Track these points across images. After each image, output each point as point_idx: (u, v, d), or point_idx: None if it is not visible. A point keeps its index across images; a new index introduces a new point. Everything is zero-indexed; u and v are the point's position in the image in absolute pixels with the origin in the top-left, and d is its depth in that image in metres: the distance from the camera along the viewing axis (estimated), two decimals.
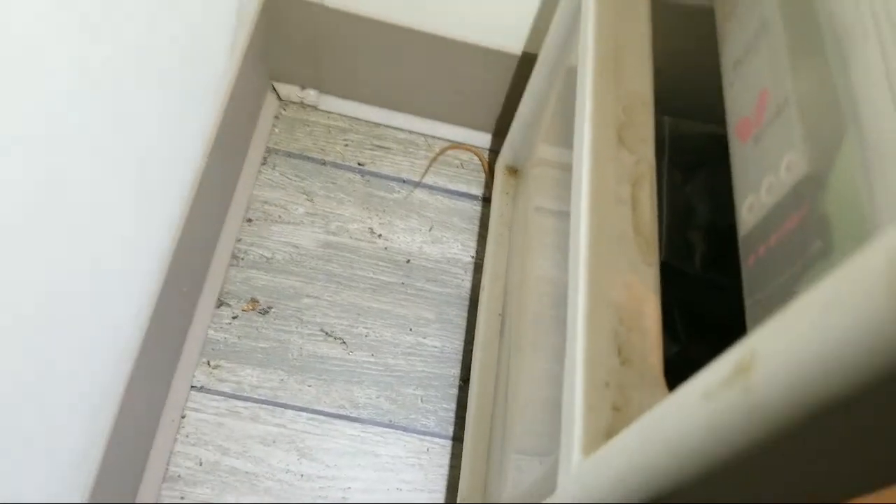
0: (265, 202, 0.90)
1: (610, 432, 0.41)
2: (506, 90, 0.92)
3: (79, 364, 0.54)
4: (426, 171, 0.95)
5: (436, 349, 0.86)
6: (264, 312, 0.83)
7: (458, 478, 0.74)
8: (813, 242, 0.38)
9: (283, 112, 0.96)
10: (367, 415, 0.81)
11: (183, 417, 0.76)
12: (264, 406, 0.78)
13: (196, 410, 0.77)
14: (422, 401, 0.83)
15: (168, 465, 0.74)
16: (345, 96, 0.96)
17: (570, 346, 0.44)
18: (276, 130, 0.94)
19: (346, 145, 0.95)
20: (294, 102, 0.96)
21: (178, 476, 0.73)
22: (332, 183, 0.93)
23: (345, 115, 0.97)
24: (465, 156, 0.98)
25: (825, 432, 0.24)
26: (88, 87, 0.47)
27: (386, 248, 0.90)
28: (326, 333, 0.84)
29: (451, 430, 0.81)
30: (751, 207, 0.46)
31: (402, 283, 0.89)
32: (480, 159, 0.98)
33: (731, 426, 0.26)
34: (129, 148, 0.55)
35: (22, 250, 0.42)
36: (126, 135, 0.54)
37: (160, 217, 0.66)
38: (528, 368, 0.70)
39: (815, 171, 0.40)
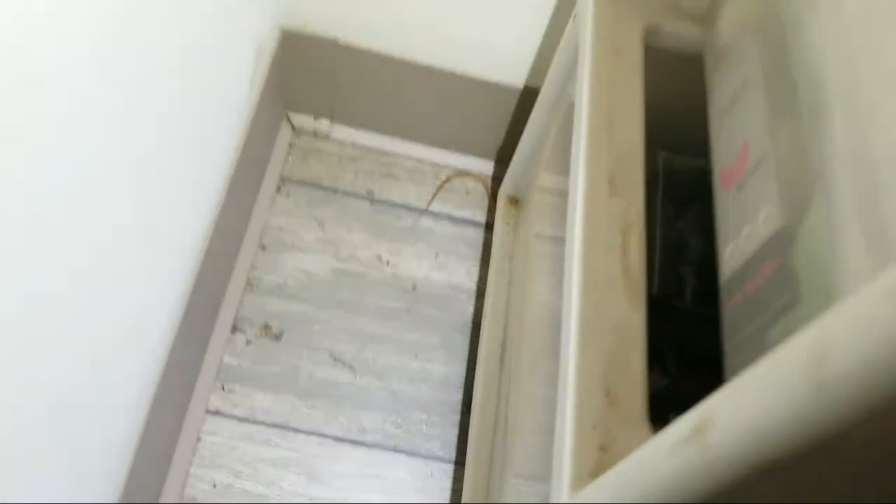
0: (279, 229, 0.93)
1: (596, 471, 0.44)
2: (509, 120, 0.95)
3: (104, 389, 0.57)
4: (432, 199, 0.98)
5: (440, 375, 0.89)
6: (277, 338, 0.86)
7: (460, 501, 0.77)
8: (783, 294, 0.41)
9: (297, 141, 0.99)
10: (374, 439, 0.84)
11: (198, 441, 0.79)
12: (275, 430, 0.81)
13: (211, 434, 0.80)
14: (426, 425, 0.86)
15: (184, 487, 0.77)
16: (356, 126, 0.99)
17: (561, 390, 0.47)
18: (290, 159, 0.98)
19: (357, 174, 0.99)
20: (307, 132, 1.00)
21: (194, 497, 0.77)
22: (343, 211, 0.96)
23: (356, 144, 1.00)
24: (471, 183, 1.01)
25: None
26: (116, 121, 0.50)
27: (393, 275, 0.93)
28: (335, 359, 0.87)
29: (454, 454, 0.84)
30: (731, 253, 0.49)
31: (409, 310, 0.92)
32: (484, 186, 1.01)
33: (692, 477, 0.29)
34: (153, 178, 0.59)
35: (52, 274, 0.46)
36: (150, 165, 0.58)
37: (181, 246, 0.69)
38: (527, 394, 0.73)
39: (787, 226, 0.42)
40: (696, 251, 0.71)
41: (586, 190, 0.53)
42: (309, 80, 0.93)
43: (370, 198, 0.98)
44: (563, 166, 0.73)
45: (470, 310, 0.93)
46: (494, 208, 0.97)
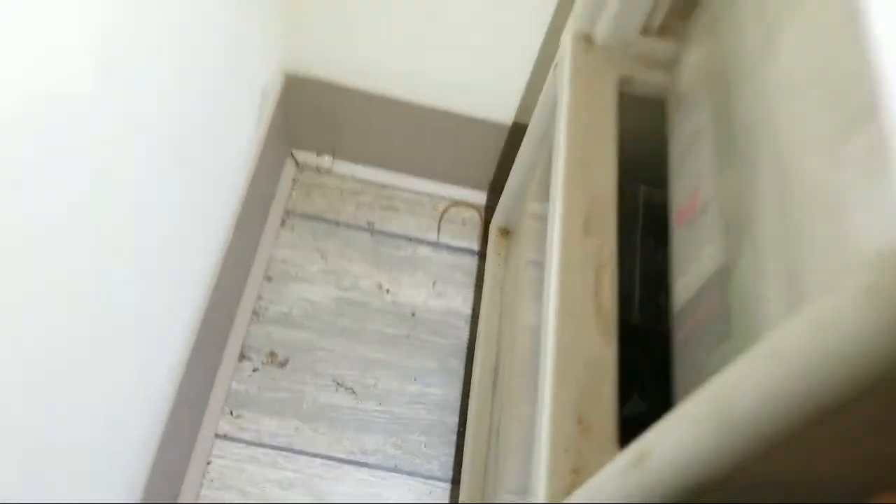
0: (283, 261, 0.98)
1: (570, 490, 0.48)
2: (499, 154, 1.00)
3: (115, 417, 0.62)
4: (439, 230, 1.03)
5: (438, 398, 0.93)
6: (282, 365, 0.91)
7: None
8: (720, 328, 0.46)
9: (301, 177, 1.05)
10: (375, 460, 0.88)
11: (209, 463, 0.84)
12: (281, 452, 0.86)
13: (220, 457, 0.85)
14: (425, 446, 0.90)
15: None
16: (356, 161, 1.05)
17: (538, 418, 0.52)
18: (294, 194, 1.03)
19: (358, 206, 1.04)
20: (310, 168, 1.05)
21: None
22: (345, 242, 1.01)
23: (356, 179, 1.06)
24: (467, 213, 1.06)
25: None
26: (133, 162, 0.55)
27: (393, 303, 0.98)
28: (338, 384, 0.91)
29: (451, 473, 0.89)
30: (682, 287, 0.54)
31: (408, 336, 0.97)
32: (480, 215, 1.06)
33: (638, 495, 0.34)
34: (166, 214, 0.64)
35: (72, 310, 0.51)
36: (163, 203, 0.63)
37: (191, 278, 0.74)
38: (516, 414, 0.78)
39: (726, 264, 0.47)
40: None
41: (562, 231, 0.58)
42: (311, 119, 0.98)
43: (370, 229, 1.03)
44: (549, 196, 0.78)
45: (466, 335, 0.98)
46: (486, 236, 1.01)
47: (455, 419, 0.92)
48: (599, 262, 0.57)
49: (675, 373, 0.51)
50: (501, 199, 0.94)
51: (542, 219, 0.89)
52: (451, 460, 0.89)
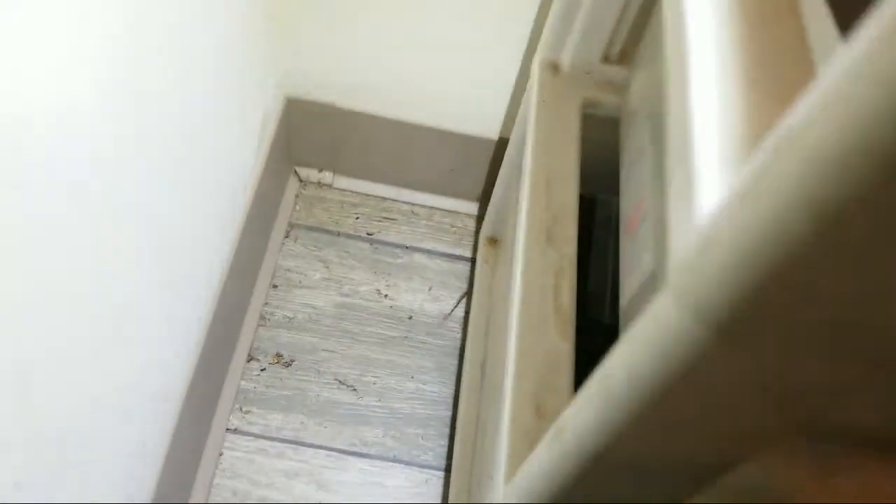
0: (288, 270, 1.06)
1: None
2: (488, 167, 1.08)
3: (132, 413, 0.70)
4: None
5: (434, 394, 1.01)
6: (287, 365, 0.99)
7: None
8: None
9: (303, 191, 1.13)
10: (375, 451, 0.96)
11: (220, 455, 0.92)
12: (288, 445, 0.94)
13: (231, 449, 0.93)
14: (422, 438, 0.98)
15: (208, 496, 0.90)
16: (356, 176, 1.13)
17: (501, 406, 0.59)
18: (297, 208, 1.11)
19: (357, 218, 1.12)
20: (312, 183, 1.13)
21: None
22: (345, 251, 1.09)
23: (356, 192, 1.13)
24: (460, 223, 1.14)
25: None
26: (146, 179, 0.64)
27: (391, 307, 1.06)
28: (340, 382, 0.99)
29: (445, 463, 0.96)
30: (626, 291, 0.61)
31: (406, 337, 1.04)
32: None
33: (559, 462, 0.41)
34: (177, 230, 0.72)
35: (85, 314, 0.59)
36: (175, 219, 0.71)
37: (201, 286, 0.82)
38: (496, 406, 0.85)
39: (657, 271, 0.54)
40: None
41: (525, 241, 0.65)
42: (312, 138, 1.07)
43: (369, 239, 1.10)
44: None
45: (459, 336, 1.05)
46: (476, 245, 1.09)
47: (449, 413, 1.00)
48: (559, 268, 0.65)
49: None
50: (488, 210, 1.02)
51: None
52: (445, 451, 0.97)
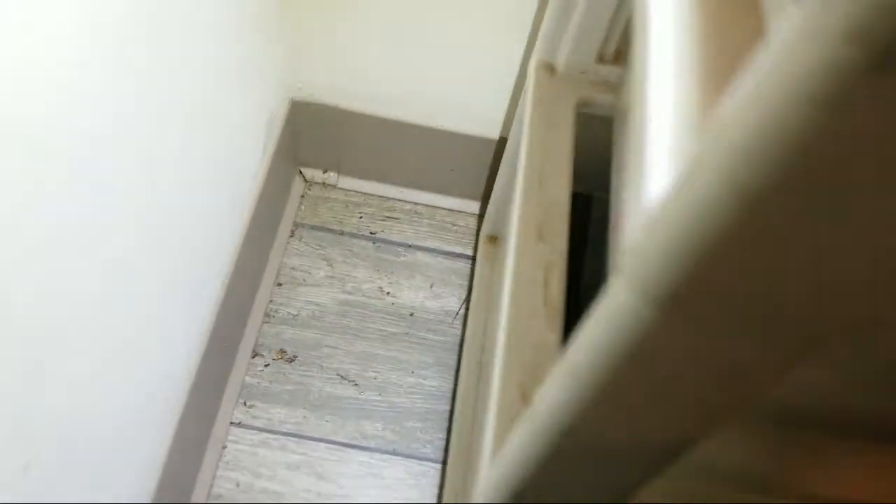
0: (292, 268, 1.09)
1: None
2: (489, 166, 1.10)
3: (140, 405, 0.73)
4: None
5: (433, 389, 1.03)
6: (291, 360, 1.01)
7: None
8: None
9: (308, 191, 1.15)
10: (375, 444, 0.98)
11: (224, 448, 0.94)
12: (290, 438, 0.96)
13: (235, 442, 0.95)
14: (421, 432, 1.00)
15: (212, 487, 0.92)
16: (360, 176, 1.15)
17: (489, 394, 0.61)
18: (302, 207, 1.14)
19: (361, 217, 1.14)
20: (317, 183, 1.15)
21: (220, 495, 0.92)
22: (349, 250, 1.11)
23: (360, 192, 1.16)
24: (462, 222, 1.16)
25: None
26: (153, 182, 0.66)
27: (393, 304, 1.08)
28: (342, 377, 1.01)
29: (443, 455, 0.98)
30: None
31: (407, 334, 1.06)
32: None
33: (531, 437, 0.43)
34: (185, 229, 0.74)
35: (97, 315, 0.61)
36: (182, 219, 0.73)
37: (207, 284, 0.85)
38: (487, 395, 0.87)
39: None
40: None
41: (517, 237, 0.67)
42: (317, 140, 1.09)
43: (373, 238, 1.13)
44: None
45: (459, 332, 1.07)
46: (477, 244, 1.11)
47: (448, 408, 1.01)
48: (549, 263, 0.67)
49: None
50: (488, 208, 1.04)
51: None
52: (443, 444, 0.99)
